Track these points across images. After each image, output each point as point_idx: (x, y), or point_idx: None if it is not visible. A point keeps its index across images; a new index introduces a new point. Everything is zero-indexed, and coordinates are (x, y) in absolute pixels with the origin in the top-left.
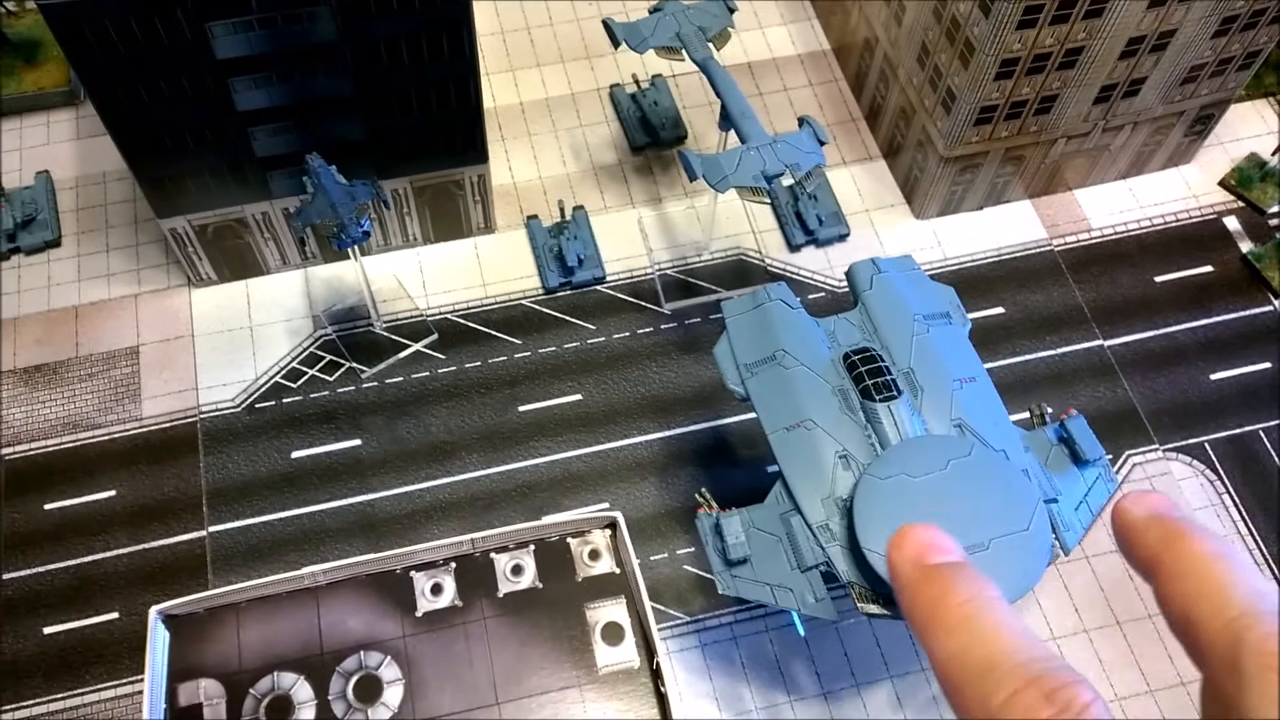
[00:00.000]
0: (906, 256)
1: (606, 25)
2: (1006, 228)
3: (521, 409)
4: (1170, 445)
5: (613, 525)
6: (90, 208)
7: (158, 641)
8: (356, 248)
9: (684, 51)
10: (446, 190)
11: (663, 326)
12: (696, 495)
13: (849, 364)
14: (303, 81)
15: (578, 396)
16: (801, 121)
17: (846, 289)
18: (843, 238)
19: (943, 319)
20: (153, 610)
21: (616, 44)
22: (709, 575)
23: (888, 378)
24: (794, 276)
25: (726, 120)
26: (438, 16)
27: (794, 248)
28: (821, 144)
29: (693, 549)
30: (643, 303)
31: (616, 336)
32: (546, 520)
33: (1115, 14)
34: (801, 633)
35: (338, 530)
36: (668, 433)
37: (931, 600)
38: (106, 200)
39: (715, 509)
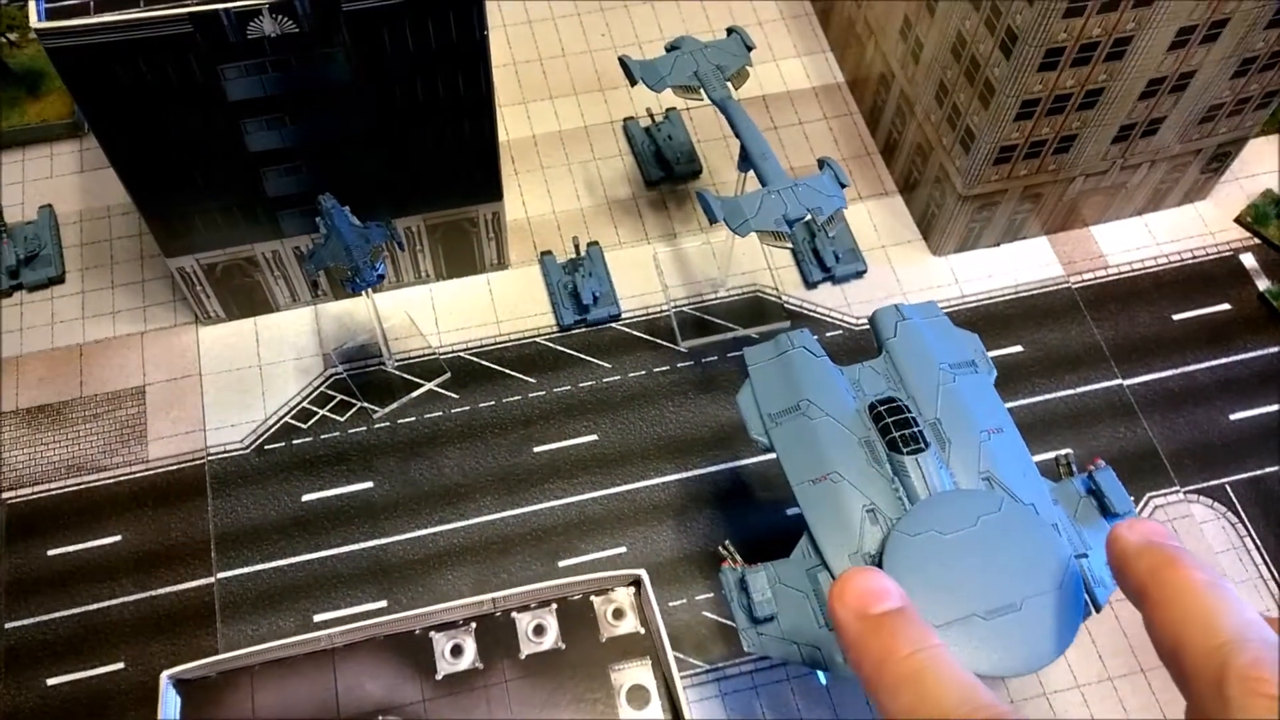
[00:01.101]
0: (930, 303)
1: (623, 63)
2: (1024, 264)
3: (536, 450)
4: (1191, 487)
5: (637, 583)
6: (94, 243)
7: (169, 707)
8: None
9: (702, 91)
10: (460, 227)
11: (679, 365)
12: (720, 549)
13: (875, 414)
14: (316, 122)
15: (593, 437)
16: (822, 163)
17: (863, 327)
18: (859, 274)
19: (969, 367)
20: (164, 675)
21: (634, 82)
22: (729, 623)
23: (915, 429)
24: (810, 314)
25: (746, 161)
26: (454, 56)
27: (810, 284)
28: (843, 186)
29: (712, 594)
30: (658, 340)
31: (632, 375)
32: (569, 580)
33: (1136, 56)
34: (824, 683)
35: (349, 576)
36: (685, 474)
37: (876, 656)
38: (111, 235)
39: (739, 563)
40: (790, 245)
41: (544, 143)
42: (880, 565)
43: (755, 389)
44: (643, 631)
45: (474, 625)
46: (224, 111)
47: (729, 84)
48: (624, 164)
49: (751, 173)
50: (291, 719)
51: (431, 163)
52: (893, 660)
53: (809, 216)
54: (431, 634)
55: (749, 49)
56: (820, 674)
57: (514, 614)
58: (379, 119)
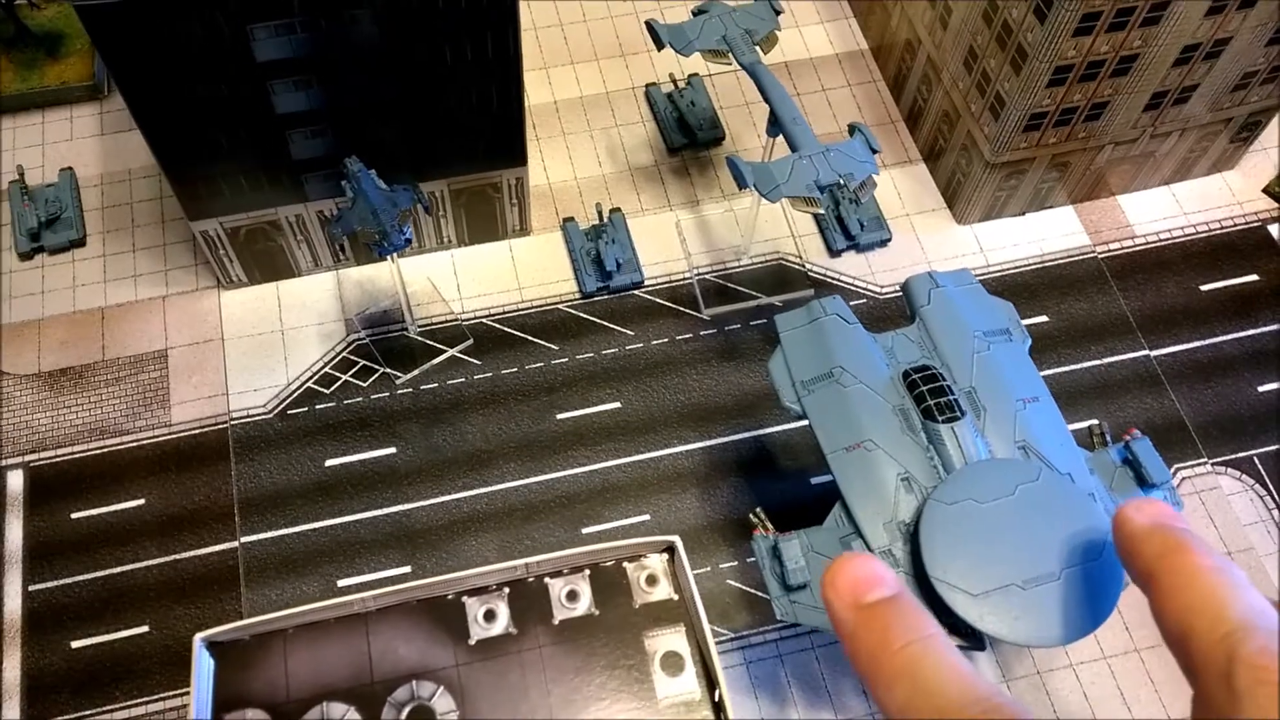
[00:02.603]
0: (964, 270)
1: (650, 27)
2: (1049, 234)
3: (560, 417)
4: (1219, 459)
5: (670, 550)
6: (115, 206)
7: (202, 670)
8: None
9: (730, 55)
10: (483, 193)
11: (702, 333)
12: (751, 515)
13: (909, 382)
14: (343, 84)
15: (617, 404)
16: (852, 129)
17: (888, 295)
18: (884, 243)
19: (1003, 335)
20: (197, 637)
21: (660, 46)
22: (754, 591)
23: (950, 397)
24: (835, 282)
25: (775, 126)
26: (484, 19)
27: (835, 253)
28: (874, 152)
29: (736, 563)
30: (681, 308)
31: (655, 343)
32: (602, 545)
33: (1173, 21)
34: None
35: (373, 541)
36: (709, 442)
37: (871, 647)
38: (132, 198)
39: (771, 530)
40: (822, 210)
41: (565, 108)
42: (916, 533)
43: (787, 356)
44: (676, 598)
45: (507, 590)
46: (251, 73)
47: (757, 48)
48: (646, 130)
49: (779, 139)
50: (325, 682)
51: (457, 127)
52: (887, 652)
53: (840, 182)
54: (464, 599)
55: (777, 13)
56: None
57: (547, 579)
58: (406, 82)
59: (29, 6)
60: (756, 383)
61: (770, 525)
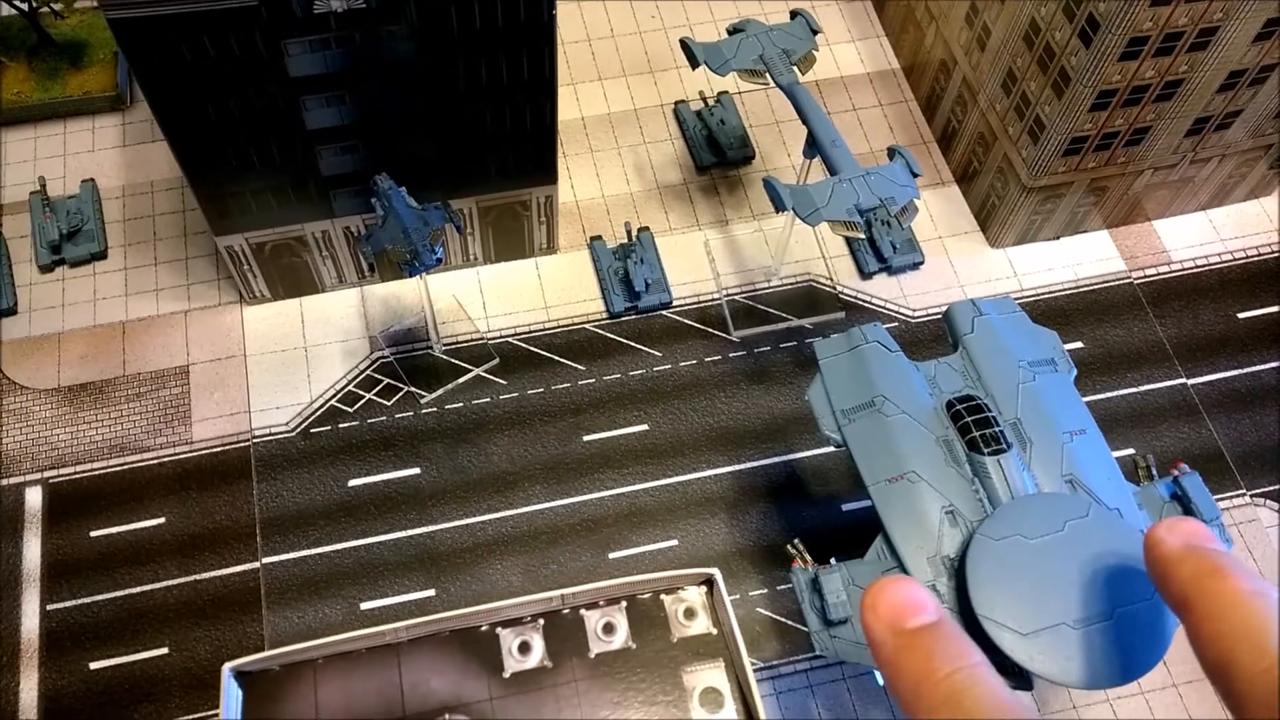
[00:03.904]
0: (1006, 298)
1: (685, 46)
2: (1084, 258)
3: (586, 439)
4: (1258, 490)
5: (709, 582)
6: (137, 218)
7: (231, 700)
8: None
9: (767, 75)
10: (512, 210)
11: (731, 355)
12: (789, 547)
13: (953, 413)
14: (375, 100)
15: (644, 427)
16: (892, 152)
17: (921, 319)
18: (916, 266)
19: (1048, 366)
20: (225, 667)
21: (695, 65)
22: (783, 619)
23: (995, 429)
24: (866, 305)
25: (813, 148)
26: (520, 35)
27: (866, 275)
28: (915, 176)
29: (765, 591)
30: (710, 329)
31: (683, 364)
32: (638, 577)
33: (1220, 47)
34: (881, 683)
35: (396, 564)
36: (737, 466)
37: (914, 676)
38: (154, 211)
39: (810, 562)
40: (862, 235)
41: (593, 125)
42: (961, 569)
43: (827, 383)
44: (715, 632)
45: (542, 622)
46: (284, 88)
47: (795, 69)
48: (674, 148)
49: (815, 161)
50: (355, 714)
51: (489, 143)
52: (930, 680)
53: (881, 206)
54: (498, 630)
55: (815, 33)
56: (879, 674)
57: (582, 611)
58: (439, 98)
59: (52, 15)
60: (786, 406)
61: (809, 557)
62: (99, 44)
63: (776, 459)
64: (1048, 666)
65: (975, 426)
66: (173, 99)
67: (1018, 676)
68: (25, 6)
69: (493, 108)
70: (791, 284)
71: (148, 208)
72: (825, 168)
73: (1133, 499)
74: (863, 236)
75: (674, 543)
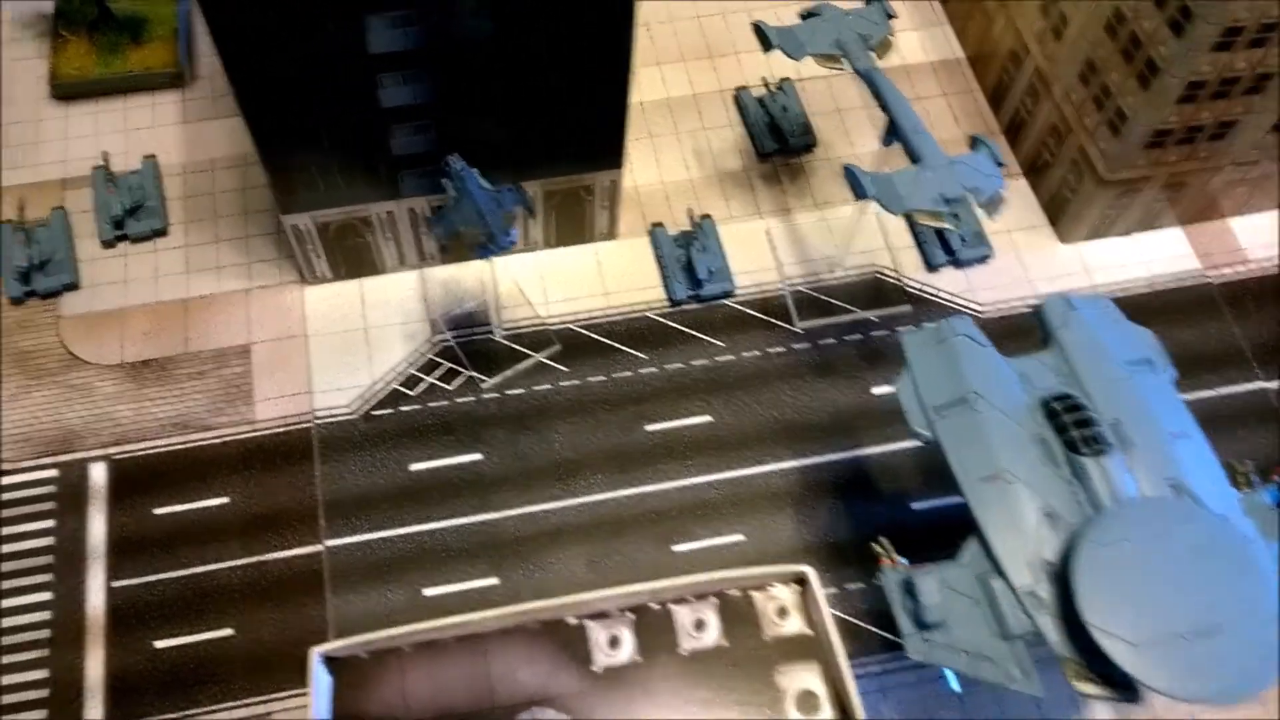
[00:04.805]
0: (1100, 297)
1: (758, 29)
2: (1157, 256)
3: (649, 428)
4: None
5: (802, 580)
6: (198, 196)
7: (320, 686)
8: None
9: (844, 60)
10: (576, 195)
11: (795, 346)
12: (874, 545)
13: (1050, 411)
14: (451, 79)
15: (707, 418)
16: (975, 141)
17: (989, 314)
18: (984, 259)
19: (1146, 366)
20: (314, 652)
21: (768, 48)
22: (854, 620)
23: (1095, 429)
24: (933, 298)
25: (894, 135)
26: (600, 16)
27: (932, 267)
28: (999, 165)
29: (835, 590)
30: (773, 320)
31: (746, 355)
32: (728, 573)
33: None
34: (956, 689)
35: (459, 550)
36: (803, 461)
37: None
38: (215, 189)
39: (898, 562)
40: (948, 225)
41: (651, 110)
42: (1065, 574)
43: (916, 379)
44: (810, 633)
45: (632, 616)
46: (363, 64)
47: (872, 54)
48: (734, 134)
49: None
50: (443, 704)
51: (560, 126)
52: None
53: (967, 196)
54: (587, 623)
55: (890, 17)
56: (952, 678)
57: (672, 606)
58: (514, 79)
59: None
60: (852, 399)
61: (897, 556)
62: (159, 20)
63: (843, 454)
64: (1161, 679)
65: (1074, 426)
66: (253, 73)
67: (1123, 687)
68: None
69: (567, 89)
70: (856, 275)
71: (208, 185)
72: (906, 155)
73: (1238, 506)
74: (948, 226)
75: (740, 537)
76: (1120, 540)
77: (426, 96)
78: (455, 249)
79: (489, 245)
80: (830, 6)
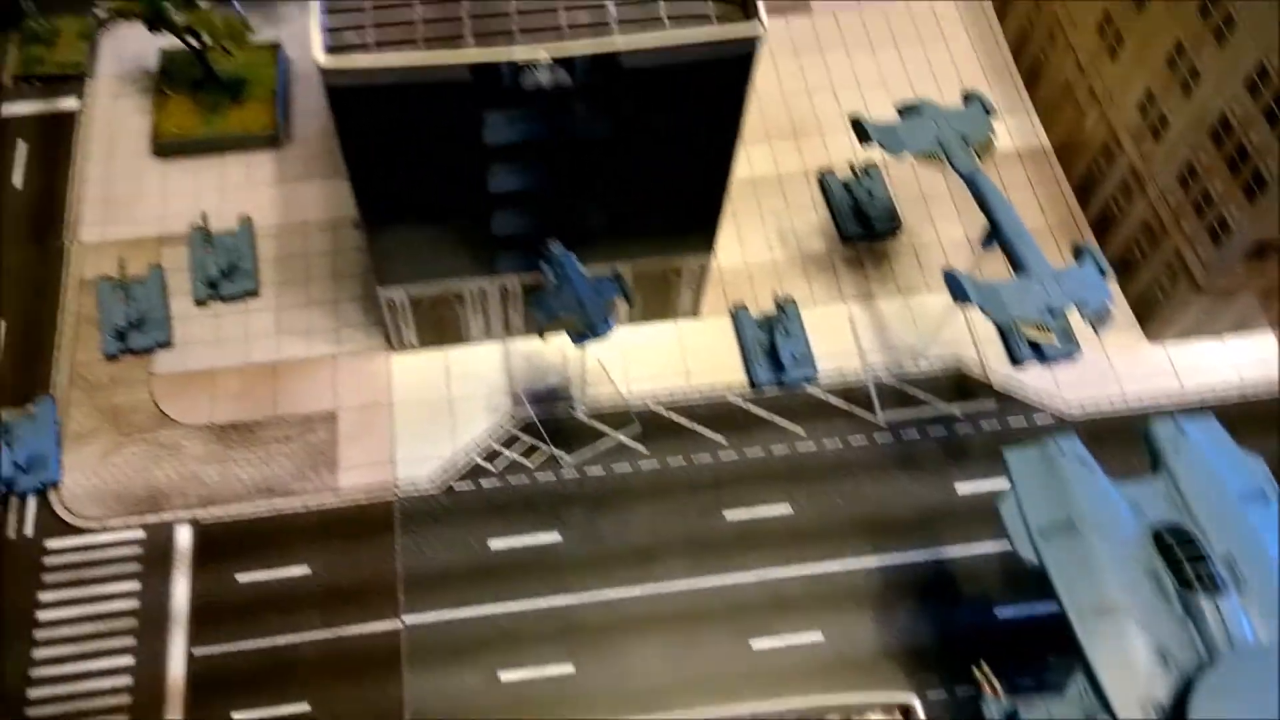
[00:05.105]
0: (1209, 418)
1: (857, 124)
2: (1250, 362)
3: (728, 516)
4: None
5: (906, 711)
6: (290, 257)
7: None
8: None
9: (946, 161)
10: (664, 276)
11: (877, 437)
12: (975, 671)
13: (1161, 543)
14: (560, 169)
15: (788, 508)
16: (1079, 251)
17: (1076, 414)
18: (1070, 356)
19: (1259, 499)
20: None
21: (866, 143)
22: None
23: (1209, 565)
24: (1017, 395)
25: (995, 239)
26: (710, 117)
27: (1017, 362)
28: (1103, 276)
29: (917, 700)
30: (855, 408)
31: (828, 444)
32: (826, 698)
33: None
34: None
35: (536, 635)
36: (884, 559)
37: None
38: (307, 250)
39: (1001, 693)
40: (1055, 339)
41: (736, 190)
42: (1178, 719)
43: (1021, 499)
44: None
45: None
46: (477, 153)
47: (973, 154)
48: (818, 216)
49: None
50: None
51: (660, 212)
52: None
53: (1073, 309)
54: None
55: (988, 113)
56: None
57: None
58: (621, 169)
59: (221, 51)
60: (935, 496)
61: (998, 685)
62: (259, 82)
63: (925, 553)
64: None
65: (1187, 561)
66: (371, 157)
67: None
68: (196, 44)
69: (670, 180)
70: (939, 366)
71: (300, 246)
72: (1008, 263)
73: None
74: (1054, 341)
75: (819, 637)
76: (1237, 690)
77: (533, 183)
78: (529, 321)
79: (587, 333)
80: (930, 104)
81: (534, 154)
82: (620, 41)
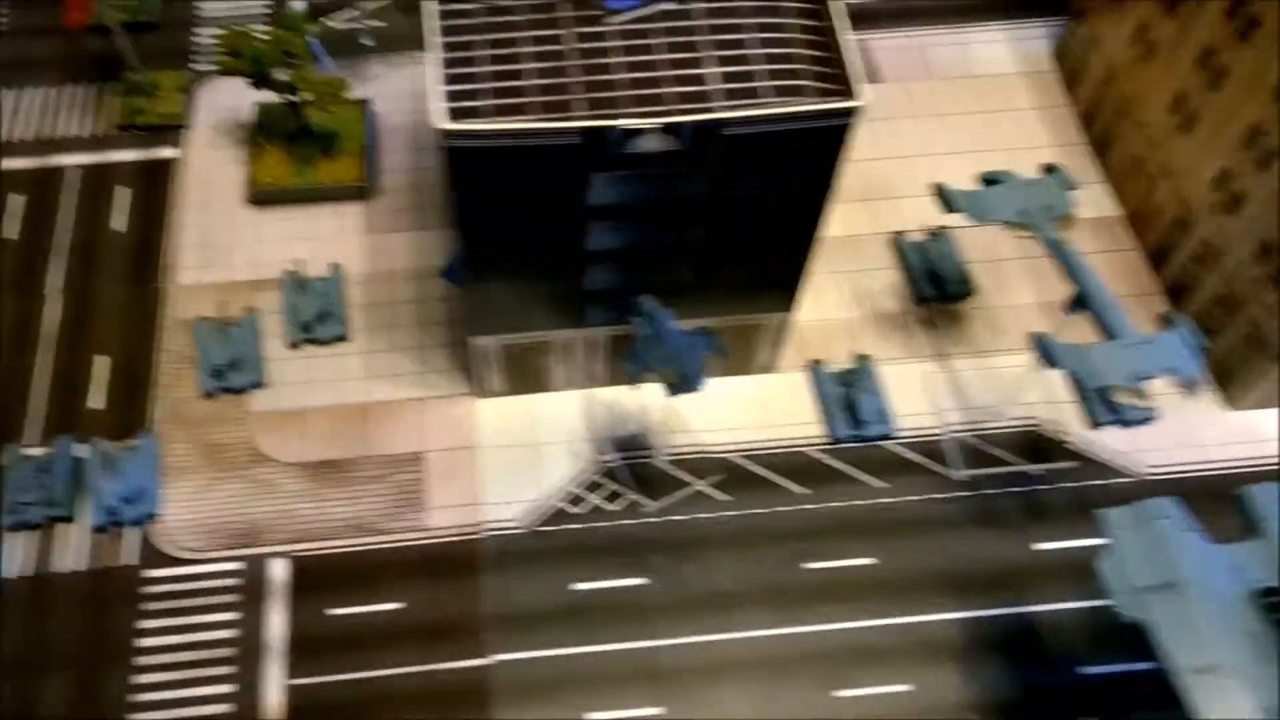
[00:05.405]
0: None
1: (943, 192)
2: None
3: (809, 566)
4: None
5: None
6: (377, 304)
7: None
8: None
9: (1032, 230)
10: (746, 332)
11: (956, 494)
12: None
13: (1264, 605)
14: (656, 228)
15: (869, 560)
16: (1167, 319)
17: (1159, 477)
18: (1148, 420)
19: None
20: None
21: (951, 211)
22: None
23: None
24: (1096, 458)
25: (1081, 306)
26: (805, 182)
27: (1095, 424)
28: (1193, 345)
29: None
30: (933, 465)
31: (908, 499)
32: None
33: None
34: None
35: (621, 677)
36: (968, 614)
37: None
38: (394, 299)
39: None
40: (1151, 408)
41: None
42: None
43: (1120, 558)
44: None
45: None
46: (578, 213)
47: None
48: (891, 277)
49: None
50: None
51: (747, 272)
52: None
53: (1163, 377)
54: None
55: (1070, 188)
56: None
57: None
58: (714, 229)
59: (318, 108)
60: (1016, 553)
61: None
62: (350, 135)
63: (1008, 609)
64: None
65: None
66: (478, 214)
67: None
68: (296, 98)
69: (761, 242)
70: (1017, 427)
71: (388, 295)
72: (1098, 329)
73: None
74: (1151, 408)
75: (906, 688)
76: None
77: (629, 241)
78: (642, 382)
79: (683, 387)
80: (1013, 175)
81: (632, 214)
82: (728, 111)
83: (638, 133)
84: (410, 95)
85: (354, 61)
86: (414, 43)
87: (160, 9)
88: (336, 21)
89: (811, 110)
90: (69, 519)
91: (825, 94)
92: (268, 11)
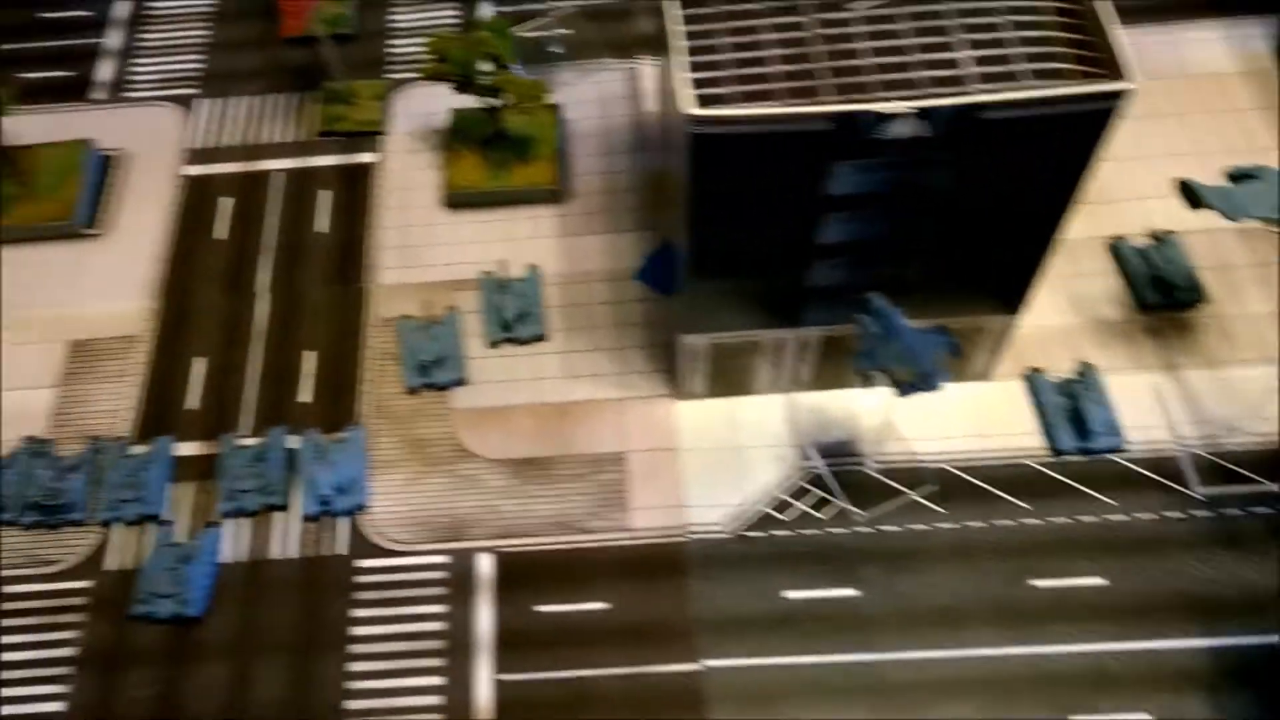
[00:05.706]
0: None
1: (1188, 187)
2: None
3: (1035, 583)
4: None
5: None
6: (574, 305)
7: None
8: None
9: None
10: (964, 335)
11: (1194, 513)
12: None
13: None
14: (892, 221)
15: (1101, 580)
16: None
17: None
18: None
19: None
20: None
21: (1197, 207)
22: None
23: None
24: None
25: None
26: (1056, 171)
27: None
28: None
29: None
30: (1167, 481)
31: (1140, 516)
32: None
33: None
34: None
35: (841, 690)
36: (1213, 641)
37: None
38: (591, 300)
39: None
40: None
41: None
42: None
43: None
44: None
45: None
46: (814, 204)
47: None
48: (1110, 283)
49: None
50: None
51: (977, 270)
52: None
53: None
54: None
55: None
56: None
57: None
58: (954, 223)
59: (517, 111)
60: (1268, 579)
61: None
62: (544, 140)
63: (1259, 638)
64: None
65: None
66: (713, 205)
67: None
68: (499, 101)
69: (996, 239)
70: (1261, 443)
71: (584, 296)
72: None
73: None
74: None
75: (1147, 718)
76: None
77: (860, 235)
78: (873, 380)
79: (919, 385)
80: (1269, 170)
81: (868, 206)
82: (989, 95)
83: (890, 117)
84: (598, 101)
85: (543, 69)
86: (600, 50)
87: (358, 21)
88: (525, 30)
89: (1080, 93)
90: (283, 507)
91: (1088, 78)
92: (458, 21)
